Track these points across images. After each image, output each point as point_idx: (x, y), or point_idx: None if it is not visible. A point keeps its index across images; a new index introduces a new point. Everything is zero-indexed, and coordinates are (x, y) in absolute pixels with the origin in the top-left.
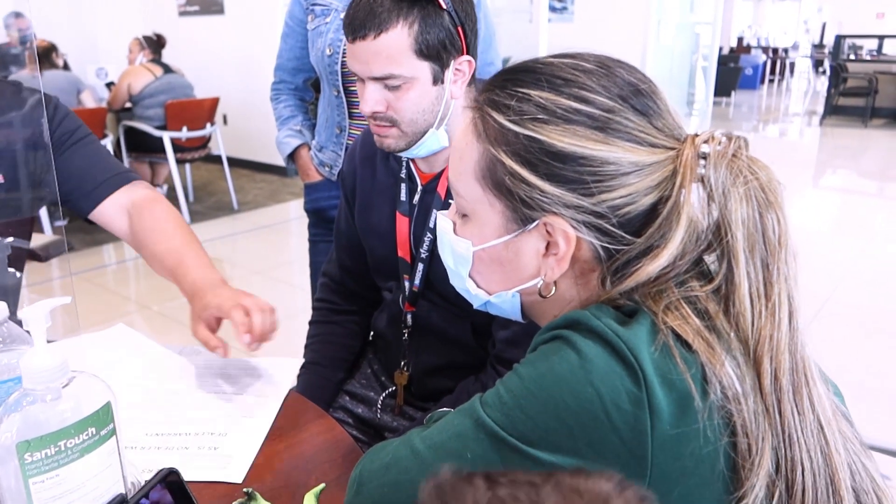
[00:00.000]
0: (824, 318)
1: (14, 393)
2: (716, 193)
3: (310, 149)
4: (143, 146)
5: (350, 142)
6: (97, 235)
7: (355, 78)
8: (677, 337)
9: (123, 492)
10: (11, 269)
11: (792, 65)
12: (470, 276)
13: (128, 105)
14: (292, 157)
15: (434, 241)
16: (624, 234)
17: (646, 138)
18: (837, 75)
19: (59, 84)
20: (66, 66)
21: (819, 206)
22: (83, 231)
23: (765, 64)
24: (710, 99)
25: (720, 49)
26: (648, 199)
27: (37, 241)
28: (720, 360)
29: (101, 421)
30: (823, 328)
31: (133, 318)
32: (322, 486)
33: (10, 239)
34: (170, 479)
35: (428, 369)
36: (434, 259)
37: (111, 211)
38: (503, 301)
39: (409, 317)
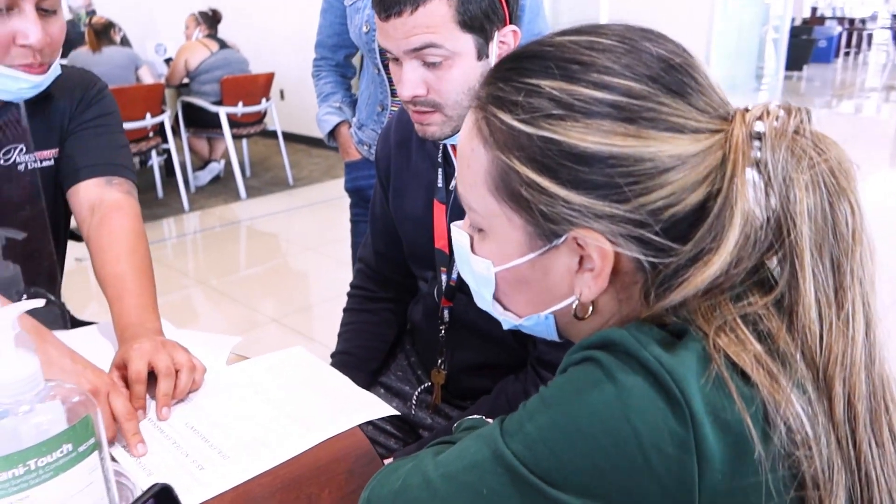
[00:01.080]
0: None
1: None
2: (775, 181)
3: (350, 126)
4: (201, 121)
5: None
6: (156, 210)
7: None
8: (733, 365)
9: None
10: (7, 261)
11: (870, 36)
12: (495, 298)
13: (185, 81)
14: (332, 134)
15: None
16: (670, 244)
17: (686, 124)
18: None
19: (118, 61)
20: (124, 42)
21: None
22: (143, 205)
23: (840, 35)
24: (780, 73)
25: (792, 20)
26: (696, 195)
27: None
28: (786, 395)
29: (79, 436)
30: None
31: (190, 292)
32: None
33: (7, 230)
34: (161, 496)
35: (465, 367)
36: None
37: (79, 198)
38: (536, 324)
39: (445, 312)
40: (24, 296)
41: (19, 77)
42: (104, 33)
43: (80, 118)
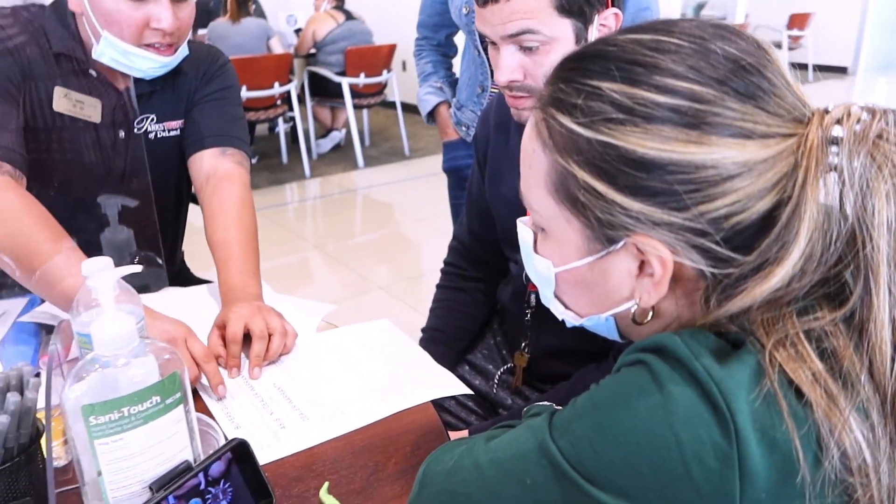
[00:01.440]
0: None
1: (88, 355)
2: (851, 190)
3: (450, 106)
4: (325, 91)
5: None
6: (280, 175)
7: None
8: (790, 382)
9: (191, 459)
10: (122, 225)
11: None
12: (556, 296)
13: (312, 51)
14: (432, 114)
15: None
16: (731, 254)
17: (755, 129)
18: None
19: (253, 31)
20: (258, 13)
21: None
22: (268, 170)
23: None
24: None
25: None
26: (764, 203)
27: None
28: (843, 418)
29: (167, 390)
30: None
31: (306, 255)
32: (326, 483)
33: (123, 198)
34: (238, 450)
35: (548, 351)
36: None
37: (196, 167)
38: (596, 324)
39: (532, 296)
40: (136, 258)
41: (151, 58)
42: (243, 4)
43: (203, 90)
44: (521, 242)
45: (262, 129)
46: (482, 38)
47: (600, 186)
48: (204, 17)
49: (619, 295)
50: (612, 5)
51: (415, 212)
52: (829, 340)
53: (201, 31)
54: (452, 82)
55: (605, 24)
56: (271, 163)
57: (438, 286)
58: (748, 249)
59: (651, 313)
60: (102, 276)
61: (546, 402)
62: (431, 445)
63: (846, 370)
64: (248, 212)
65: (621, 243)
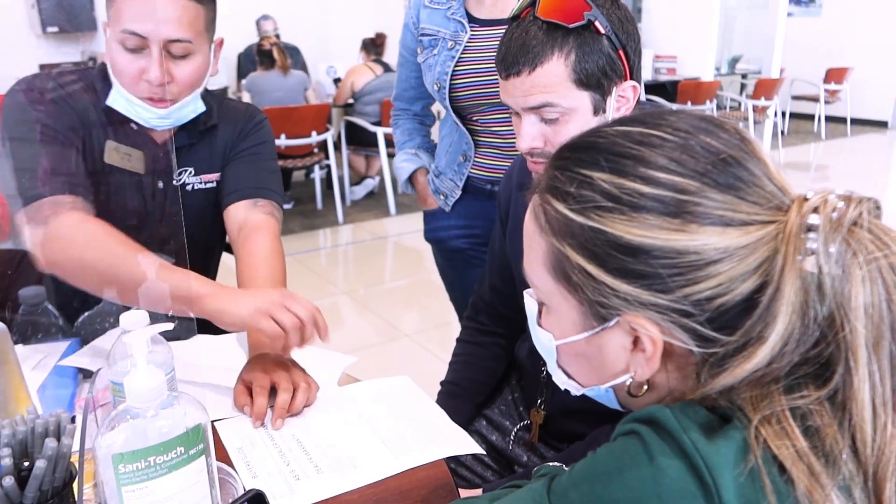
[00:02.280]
0: None
1: (120, 406)
2: (829, 274)
3: (428, 172)
4: (360, 140)
5: (473, 171)
6: (314, 220)
7: (473, 111)
8: (773, 458)
9: None
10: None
11: None
12: (559, 366)
13: (350, 101)
14: (410, 181)
15: None
16: (715, 335)
17: (735, 217)
18: None
19: (289, 84)
20: (301, 66)
21: None
22: (302, 215)
23: None
24: None
25: None
26: (746, 286)
27: None
28: (825, 495)
29: (191, 441)
30: None
31: (336, 300)
32: None
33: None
34: (254, 501)
35: (564, 409)
36: None
37: (230, 219)
38: (598, 394)
39: None
40: (170, 312)
41: (148, 108)
42: (282, 57)
43: (239, 146)
44: (528, 313)
45: (298, 175)
46: (458, 114)
47: (592, 269)
48: (251, 68)
49: (615, 368)
50: (631, 77)
51: None
52: (814, 418)
53: (245, 82)
54: (430, 149)
55: (623, 95)
56: (306, 208)
57: (458, 340)
58: (732, 329)
59: (646, 386)
60: (137, 332)
61: (556, 463)
62: (441, 500)
63: (829, 448)
64: (276, 259)
65: (614, 321)
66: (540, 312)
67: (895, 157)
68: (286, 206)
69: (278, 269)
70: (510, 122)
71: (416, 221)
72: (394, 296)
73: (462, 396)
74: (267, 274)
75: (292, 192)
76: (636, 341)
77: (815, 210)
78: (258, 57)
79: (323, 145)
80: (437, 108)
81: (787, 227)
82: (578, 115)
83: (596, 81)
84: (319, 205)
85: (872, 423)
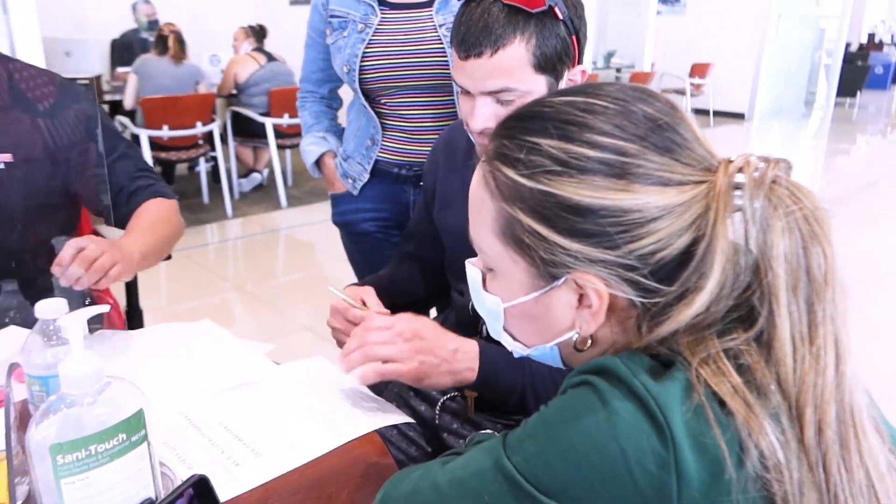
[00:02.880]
0: None
1: (53, 395)
2: (753, 227)
3: (335, 156)
4: (248, 131)
5: (381, 155)
6: (201, 214)
7: (382, 94)
8: (714, 394)
9: (153, 496)
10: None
11: None
12: (505, 329)
13: (234, 92)
14: (318, 164)
15: None
16: (657, 285)
17: (672, 177)
18: None
19: (180, 74)
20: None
21: None
22: (188, 210)
23: None
24: (831, 99)
25: (847, 45)
26: (682, 240)
27: None
28: (759, 424)
29: (132, 427)
30: None
31: (228, 296)
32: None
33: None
34: (199, 486)
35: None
36: None
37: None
38: (542, 354)
39: (485, 328)
40: (87, 298)
41: None
42: (182, 45)
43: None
44: (470, 281)
45: (182, 168)
46: (367, 97)
47: (543, 230)
48: (127, 52)
49: (561, 326)
50: (579, 62)
51: (338, 252)
52: (745, 357)
53: (122, 69)
54: (337, 133)
55: (573, 79)
56: (192, 203)
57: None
58: (671, 281)
59: (590, 341)
60: (73, 316)
61: (489, 431)
62: (381, 472)
63: (760, 382)
64: (171, 222)
65: (562, 279)
66: (484, 280)
67: (751, 146)
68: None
69: (163, 222)
70: (418, 105)
71: (307, 214)
72: (288, 289)
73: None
74: (151, 219)
75: (177, 186)
76: (581, 298)
77: (740, 170)
78: (154, 41)
79: (208, 137)
80: (343, 91)
81: (717, 186)
82: (533, 97)
83: (552, 66)
84: (206, 199)
85: (793, 356)
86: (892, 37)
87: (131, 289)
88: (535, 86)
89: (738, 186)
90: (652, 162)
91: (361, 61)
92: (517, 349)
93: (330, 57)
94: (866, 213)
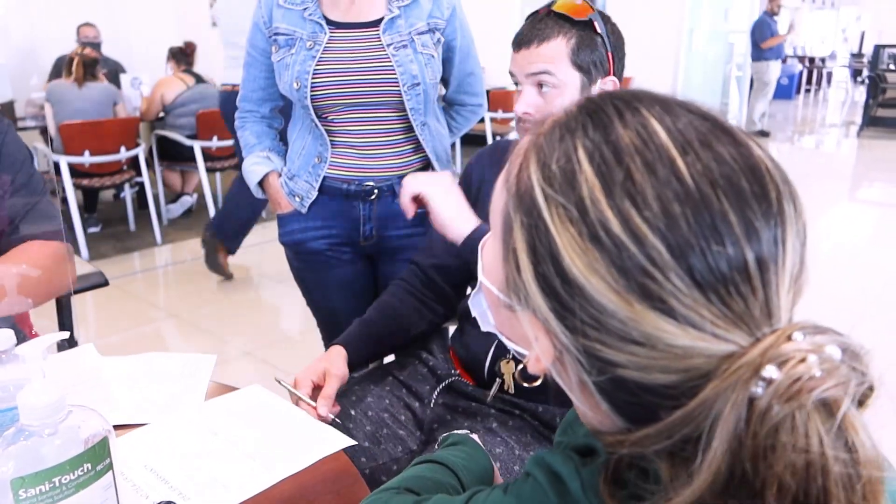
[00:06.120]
0: (861, 335)
1: (11, 427)
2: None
3: (280, 175)
4: (175, 155)
5: (330, 172)
6: (128, 242)
7: (331, 111)
8: None
9: None
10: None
11: (829, 74)
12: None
13: (161, 115)
14: (261, 185)
15: None
16: (613, 401)
17: (688, 316)
18: (876, 86)
19: (96, 97)
20: (111, 79)
21: (856, 219)
22: (114, 238)
23: (801, 73)
24: (743, 109)
25: None
26: (669, 377)
27: (78, 268)
28: None
29: (97, 456)
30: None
31: (160, 325)
32: None
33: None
34: None
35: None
36: None
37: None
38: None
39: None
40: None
41: None
42: (90, 67)
43: None
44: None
45: (106, 195)
46: (317, 113)
47: (523, 260)
48: (50, 75)
49: (520, 338)
50: (613, 74)
51: (275, 274)
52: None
53: (36, 95)
54: (280, 152)
55: (605, 87)
56: (118, 230)
57: (384, 295)
58: (646, 419)
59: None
60: (32, 344)
61: (463, 431)
62: (349, 490)
63: None
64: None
65: (520, 310)
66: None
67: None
68: (93, 230)
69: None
70: (366, 122)
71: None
72: (224, 314)
73: (369, 332)
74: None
75: (100, 214)
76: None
77: (782, 364)
78: (65, 64)
79: (133, 162)
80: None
81: (738, 368)
82: (568, 89)
83: (587, 67)
84: (133, 226)
85: None
86: (795, 49)
87: (65, 319)
88: (570, 78)
89: (761, 377)
90: (671, 284)
91: (312, 78)
92: (488, 319)
93: (271, 75)
94: None
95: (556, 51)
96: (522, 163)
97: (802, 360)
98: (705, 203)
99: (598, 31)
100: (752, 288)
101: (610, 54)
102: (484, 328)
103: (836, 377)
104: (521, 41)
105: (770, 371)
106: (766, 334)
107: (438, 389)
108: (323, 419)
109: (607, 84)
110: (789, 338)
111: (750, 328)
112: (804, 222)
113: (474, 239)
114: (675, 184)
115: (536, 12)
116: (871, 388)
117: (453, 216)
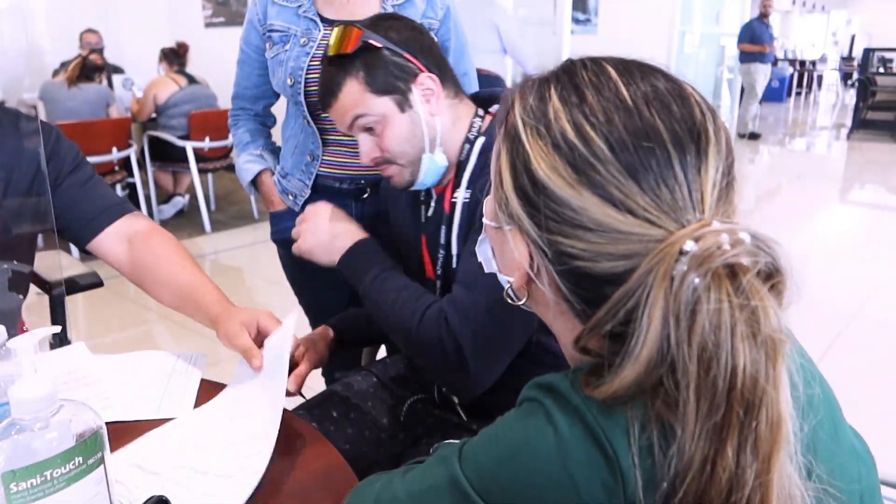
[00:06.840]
0: (850, 336)
1: (2, 422)
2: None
3: (273, 174)
4: (167, 156)
5: (322, 170)
6: None
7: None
8: (663, 426)
9: None
10: (12, 293)
11: (820, 77)
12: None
13: (153, 116)
14: (254, 183)
15: (445, 258)
16: (575, 296)
17: (624, 202)
18: (866, 89)
19: (90, 97)
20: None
21: (846, 221)
22: None
23: (792, 76)
24: (734, 111)
25: None
26: (611, 265)
27: (72, 269)
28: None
29: (89, 450)
30: (849, 347)
31: (153, 327)
32: None
33: (14, 263)
34: None
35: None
36: (447, 278)
37: (111, 241)
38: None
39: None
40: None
41: None
42: (90, 72)
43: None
44: None
45: None
46: (310, 109)
47: (506, 176)
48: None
49: (510, 266)
50: (427, 69)
51: (267, 275)
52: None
53: (28, 95)
54: (274, 151)
55: (427, 87)
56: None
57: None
58: (596, 300)
59: (526, 295)
60: (24, 338)
61: (455, 441)
62: (340, 484)
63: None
64: (189, 255)
65: (507, 228)
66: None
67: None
68: None
69: (198, 266)
70: None
71: (232, 238)
72: None
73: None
74: (193, 268)
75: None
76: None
77: (697, 239)
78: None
79: (125, 163)
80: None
81: (665, 246)
82: (389, 118)
83: (390, 86)
84: None
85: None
86: (786, 52)
87: (58, 318)
88: (383, 107)
89: (683, 252)
90: (611, 175)
91: (306, 74)
92: (492, 265)
93: (265, 73)
94: (770, 219)
95: (354, 93)
96: (505, 108)
97: (716, 237)
98: (639, 114)
99: (377, 44)
100: (678, 183)
101: (407, 55)
102: (487, 270)
103: (742, 249)
104: (323, 103)
105: (689, 245)
106: (691, 222)
107: (412, 399)
108: (291, 394)
109: (425, 82)
110: (709, 225)
111: (678, 217)
112: (727, 138)
113: (352, 254)
114: (616, 101)
115: (322, 61)
116: (778, 270)
117: (321, 252)
